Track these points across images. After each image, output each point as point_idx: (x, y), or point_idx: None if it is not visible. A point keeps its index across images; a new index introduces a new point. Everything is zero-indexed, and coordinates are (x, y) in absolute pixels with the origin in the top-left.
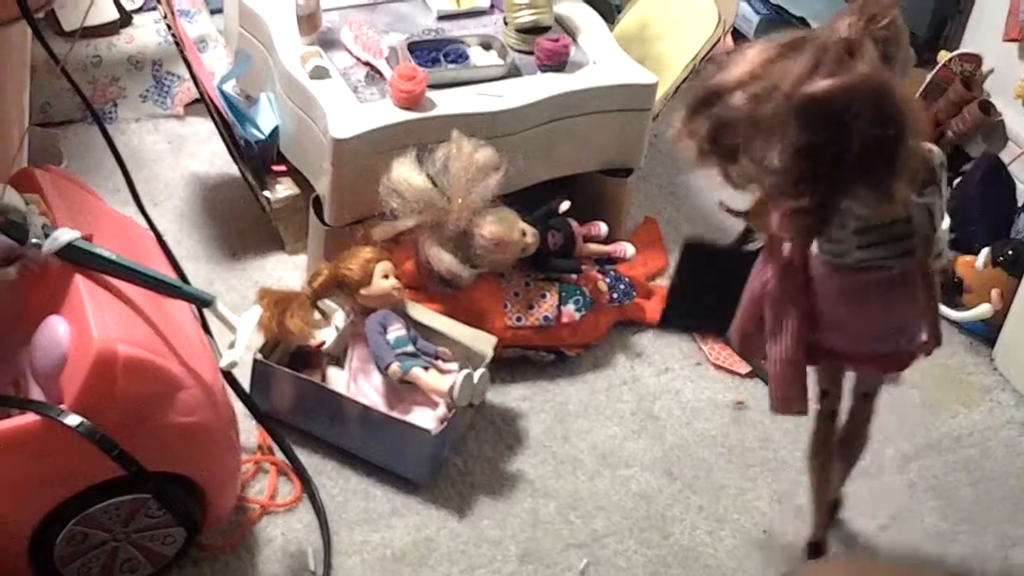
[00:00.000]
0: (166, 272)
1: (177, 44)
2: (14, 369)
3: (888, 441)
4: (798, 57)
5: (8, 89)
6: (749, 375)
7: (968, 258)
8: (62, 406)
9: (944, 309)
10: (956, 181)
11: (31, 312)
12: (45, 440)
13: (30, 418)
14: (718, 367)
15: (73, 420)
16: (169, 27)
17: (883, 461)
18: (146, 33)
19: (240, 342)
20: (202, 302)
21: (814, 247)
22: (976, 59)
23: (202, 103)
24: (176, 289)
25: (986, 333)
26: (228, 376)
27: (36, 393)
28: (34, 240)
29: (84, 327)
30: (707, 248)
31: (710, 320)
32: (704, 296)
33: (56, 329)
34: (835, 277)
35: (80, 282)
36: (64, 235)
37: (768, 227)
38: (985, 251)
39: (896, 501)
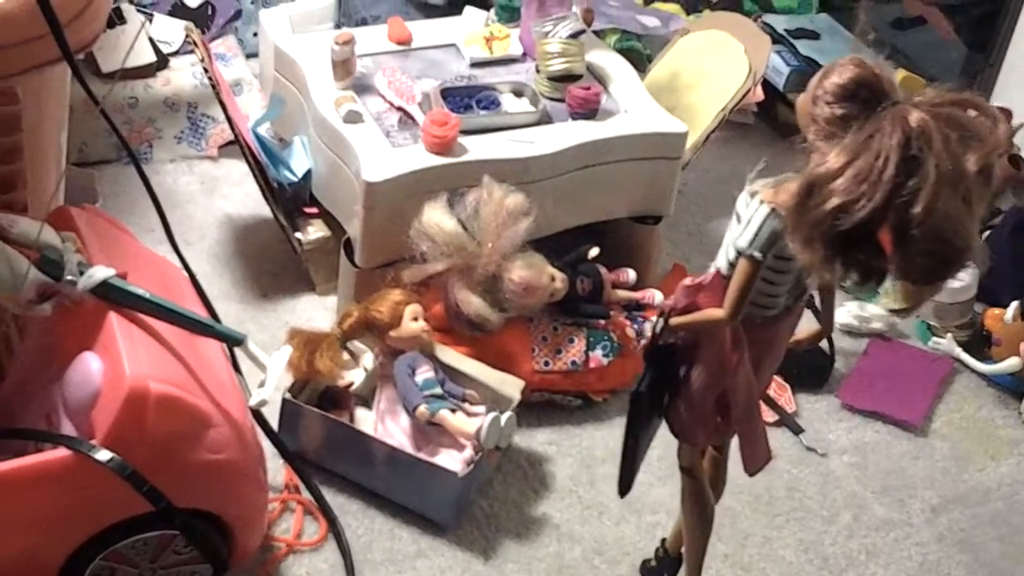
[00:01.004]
0: (198, 311)
1: (213, 86)
2: (46, 404)
3: (915, 492)
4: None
5: (47, 128)
6: (776, 423)
7: (997, 311)
8: (93, 441)
9: (973, 362)
10: (985, 234)
11: (65, 348)
12: (76, 475)
13: (61, 452)
14: None
15: (104, 455)
16: (206, 70)
17: (910, 512)
18: (182, 76)
19: (270, 381)
20: (233, 341)
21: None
22: (1006, 113)
23: (236, 145)
24: (208, 328)
25: (1015, 386)
26: (257, 415)
27: (68, 428)
28: (69, 277)
29: (117, 364)
30: (647, 382)
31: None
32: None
33: (89, 365)
34: (758, 332)
35: (114, 319)
36: (99, 272)
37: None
38: (1015, 304)
39: (923, 553)
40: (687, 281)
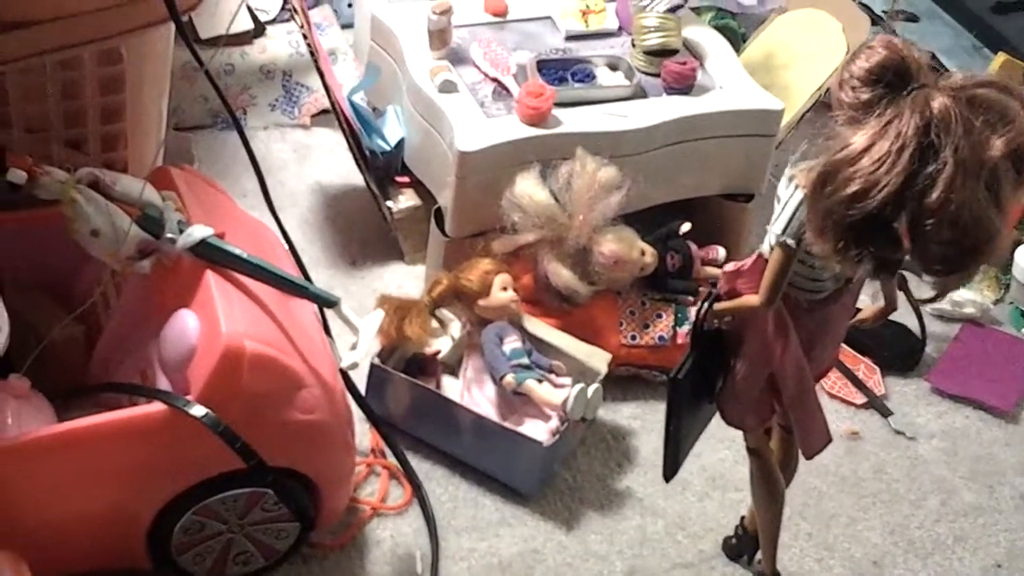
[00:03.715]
0: (293, 274)
1: (312, 53)
2: (143, 360)
3: (1005, 479)
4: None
5: (149, 90)
6: (864, 406)
7: None
8: (188, 397)
9: None
10: None
11: (162, 305)
12: (170, 429)
13: (157, 407)
14: (832, 396)
15: (199, 411)
16: (305, 36)
17: (999, 499)
18: (278, 44)
19: (363, 344)
20: (328, 303)
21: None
22: None
23: (328, 115)
24: (303, 289)
25: None
26: (345, 379)
27: (163, 384)
28: (169, 235)
29: (213, 322)
30: (687, 367)
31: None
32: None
33: (186, 322)
34: (807, 316)
35: (211, 278)
36: (198, 231)
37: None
38: None
39: (1012, 540)
40: (729, 266)
